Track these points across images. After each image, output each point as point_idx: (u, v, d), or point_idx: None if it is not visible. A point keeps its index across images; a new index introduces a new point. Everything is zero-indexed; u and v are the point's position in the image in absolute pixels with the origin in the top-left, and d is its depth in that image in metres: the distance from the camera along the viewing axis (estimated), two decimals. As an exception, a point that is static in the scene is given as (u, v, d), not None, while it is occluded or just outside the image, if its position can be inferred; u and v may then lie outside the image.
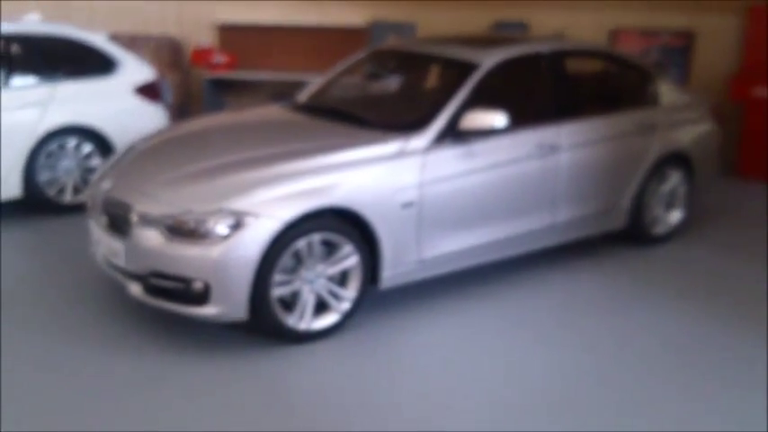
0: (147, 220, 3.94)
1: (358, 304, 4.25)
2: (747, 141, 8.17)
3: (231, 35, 9.28)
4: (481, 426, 3.43)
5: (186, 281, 3.85)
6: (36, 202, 6.21)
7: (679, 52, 8.80)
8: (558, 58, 5.26)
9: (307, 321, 4.09)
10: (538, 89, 5.30)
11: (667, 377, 3.89)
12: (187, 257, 3.82)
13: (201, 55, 9.08)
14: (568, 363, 4.01)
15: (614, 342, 4.26)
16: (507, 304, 4.72)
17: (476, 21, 8.78)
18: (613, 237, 5.67)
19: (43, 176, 6.15)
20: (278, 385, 3.76)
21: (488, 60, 4.86)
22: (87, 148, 6.33)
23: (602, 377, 3.88)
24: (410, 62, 5.99)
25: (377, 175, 4.23)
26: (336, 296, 4.17)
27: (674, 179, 5.84)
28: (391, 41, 7.56)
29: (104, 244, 4.24)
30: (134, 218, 3.99)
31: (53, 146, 6.16)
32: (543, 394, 3.70)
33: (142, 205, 4.02)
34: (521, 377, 3.87)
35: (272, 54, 9.23)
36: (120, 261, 4.09)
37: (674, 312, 4.64)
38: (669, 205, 5.89)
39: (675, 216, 5.94)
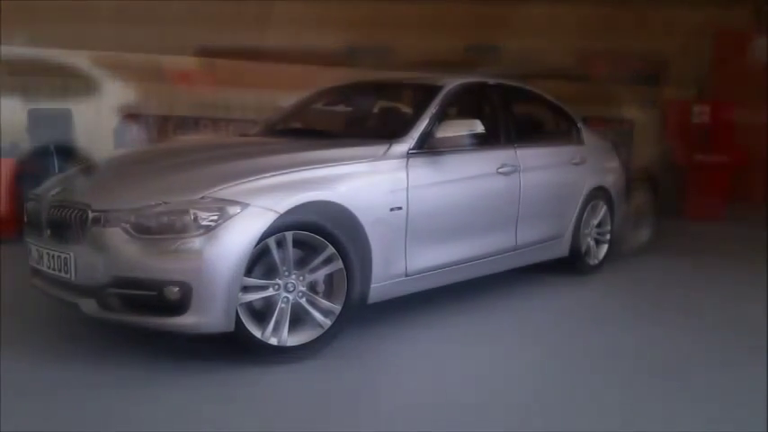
0: (108, 219, 3.35)
1: (344, 319, 3.76)
2: (690, 191, 9.92)
3: (212, 59, 9.29)
4: None
5: (158, 287, 3.26)
6: None
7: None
8: (502, 89, 5.48)
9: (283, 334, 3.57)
10: (492, 114, 5.37)
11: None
12: (160, 258, 3.27)
13: (183, 78, 9.01)
14: (543, 372, 3.79)
15: (599, 354, 4.10)
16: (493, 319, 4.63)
17: (449, 44, 9.08)
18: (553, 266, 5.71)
19: None
20: (253, 400, 3.27)
21: (449, 83, 5.02)
22: None
23: (577, 385, 3.64)
24: (378, 90, 5.91)
25: (363, 179, 3.98)
26: (318, 308, 3.70)
27: (602, 212, 6.02)
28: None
29: (47, 261, 3.58)
30: (91, 217, 3.38)
31: None
32: (519, 401, 3.40)
33: (101, 202, 3.43)
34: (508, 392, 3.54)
35: (252, 77, 9.16)
36: (70, 275, 3.44)
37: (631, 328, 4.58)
38: (599, 237, 6.04)
39: (603, 249, 6.08)
